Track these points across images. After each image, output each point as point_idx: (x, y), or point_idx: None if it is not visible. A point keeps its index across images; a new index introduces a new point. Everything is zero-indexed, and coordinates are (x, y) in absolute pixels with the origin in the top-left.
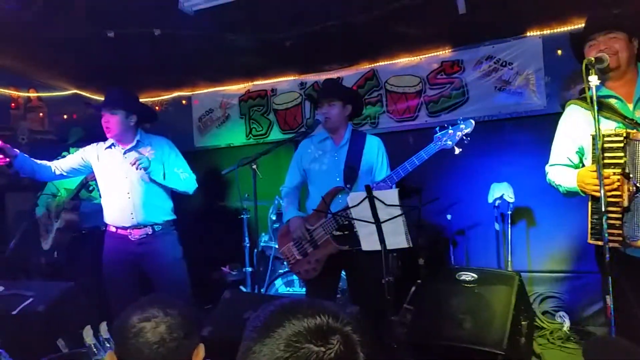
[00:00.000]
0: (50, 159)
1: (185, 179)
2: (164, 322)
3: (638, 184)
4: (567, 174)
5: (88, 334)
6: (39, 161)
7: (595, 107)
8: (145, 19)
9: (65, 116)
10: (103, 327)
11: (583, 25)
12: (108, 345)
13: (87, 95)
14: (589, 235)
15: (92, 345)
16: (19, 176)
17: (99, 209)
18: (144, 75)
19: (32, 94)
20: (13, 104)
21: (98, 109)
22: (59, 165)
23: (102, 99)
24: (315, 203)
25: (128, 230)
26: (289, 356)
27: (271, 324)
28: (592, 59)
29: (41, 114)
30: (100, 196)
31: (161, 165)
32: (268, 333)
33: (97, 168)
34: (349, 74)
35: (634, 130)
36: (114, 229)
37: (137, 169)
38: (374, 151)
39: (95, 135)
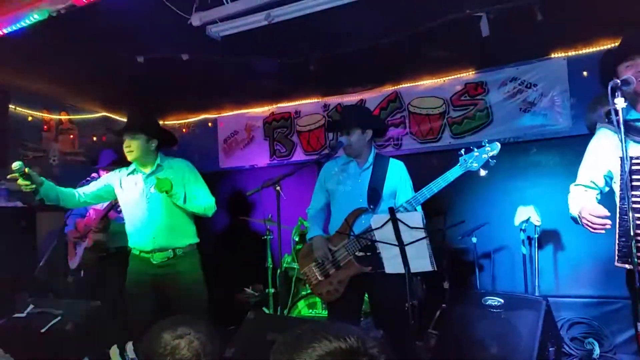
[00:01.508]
0: (81, 179)
1: (204, 202)
2: (197, 338)
3: None
4: (575, 202)
5: (115, 354)
6: (63, 188)
7: (622, 129)
8: (174, 45)
9: (95, 138)
10: (129, 346)
11: (608, 46)
12: None
13: (117, 117)
14: (616, 258)
15: None
16: (43, 203)
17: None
18: (172, 98)
19: (64, 117)
20: (45, 127)
21: (119, 133)
22: (82, 193)
23: None
24: (337, 224)
25: (150, 254)
26: None
27: (301, 344)
28: (618, 81)
29: (72, 136)
30: None
31: (182, 188)
32: (298, 353)
33: (120, 194)
34: (372, 96)
35: None
36: (137, 252)
37: (160, 192)
38: (398, 175)
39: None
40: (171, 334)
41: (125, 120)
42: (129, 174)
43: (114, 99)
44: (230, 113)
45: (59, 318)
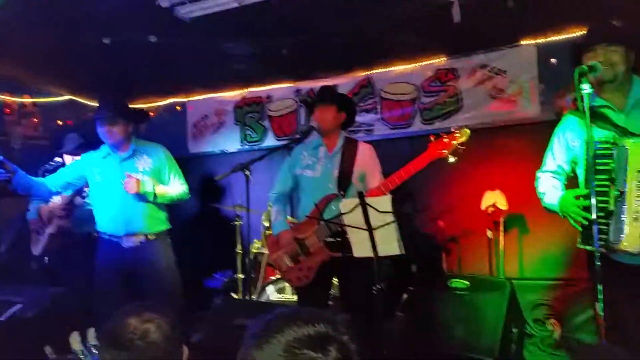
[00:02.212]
0: (44, 164)
1: (175, 193)
2: (165, 322)
3: (621, 189)
4: (552, 192)
5: (75, 340)
6: (37, 178)
7: (588, 113)
8: (141, 26)
9: (60, 122)
10: (91, 333)
11: (578, 34)
12: (96, 352)
13: (83, 101)
14: (579, 240)
15: (80, 352)
16: (16, 193)
17: (91, 216)
18: (139, 81)
19: (27, 100)
20: (7, 110)
21: (98, 119)
22: (54, 183)
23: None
24: (307, 209)
25: (121, 238)
26: None
27: (271, 330)
28: (585, 67)
29: (35, 120)
30: None
31: (158, 176)
32: (268, 339)
33: (92, 177)
34: (344, 82)
35: (623, 138)
36: (106, 237)
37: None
38: (366, 158)
39: (92, 142)
40: (139, 319)
41: (91, 103)
42: (103, 158)
43: (80, 82)
44: (200, 97)
45: (20, 306)
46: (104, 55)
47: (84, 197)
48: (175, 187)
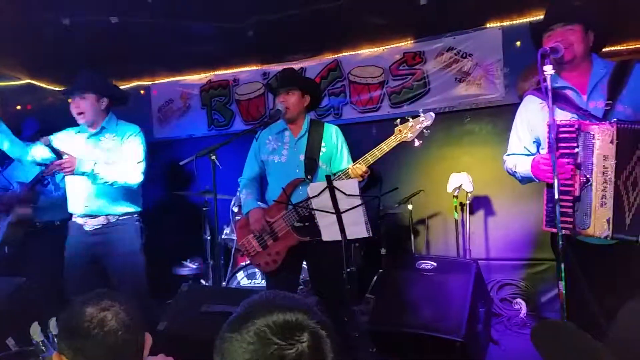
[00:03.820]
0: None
1: (126, 174)
2: (123, 309)
3: (587, 175)
4: (523, 161)
5: (35, 331)
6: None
7: (550, 96)
8: (101, 7)
9: (19, 107)
10: (52, 323)
11: (541, 16)
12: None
13: (42, 85)
14: (544, 222)
15: (40, 343)
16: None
17: (54, 203)
18: (100, 64)
19: None
20: None
21: (67, 93)
22: (33, 152)
23: (57, 88)
24: (275, 195)
25: (83, 220)
26: (257, 348)
27: (245, 316)
28: (547, 49)
29: None
30: (55, 190)
31: (117, 156)
32: (241, 325)
33: (69, 151)
34: (313, 65)
35: (586, 122)
36: (74, 218)
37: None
38: (333, 140)
39: (52, 127)
40: (96, 307)
41: (51, 87)
42: (75, 134)
43: (38, 65)
44: (165, 80)
45: None
46: (63, 37)
47: (45, 185)
48: (124, 170)
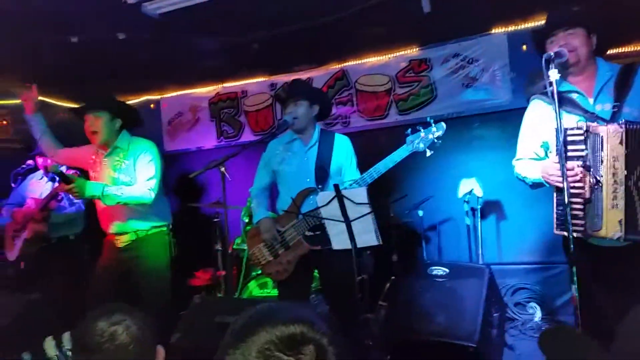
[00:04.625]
0: (15, 167)
1: (136, 192)
2: (134, 324)
3: (597, 177)
4: (532, 166)
5: (50, 346)
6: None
7: (556, 101)
8: (109, 24)
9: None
10: (66, 337)
11: (544, 20)
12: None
13: (53, 102)
14: (555, 226)
15: (55, 357)
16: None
17: (68, 219)
18: (110, 80)
19: None
20: None
21: (81, 112)
22: (61, 152)
23: (67, 105)
24: (286, 204)
25: (115, 237)
26: None
27: (247, 330)
28: (552, 53)
29: (5, 122)
30: (69, 205)
31: (130, 175)
32: (243, 339)
33: (87, 171)
34: (319, 75)
35: (594, 124)
36: (108, 236)
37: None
38: (344, 151)
39: (64, 144)
40: (107, 321)
41: (62, 104)
42: (95, 153)
43: (49, 82)
44: (174, 94)
45: None
46: (72, 54)
47: (59, 201)
48: (135, 188)
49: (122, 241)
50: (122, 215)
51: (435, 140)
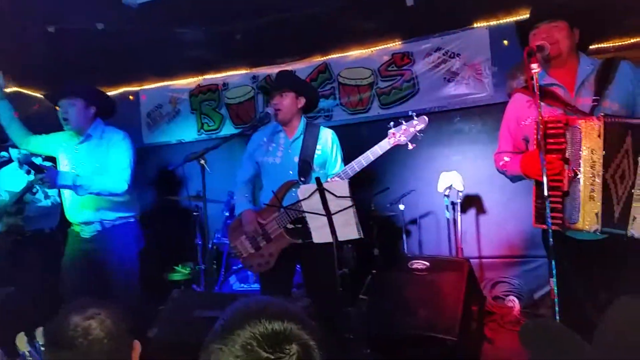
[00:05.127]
0: None
1: (108, 183)
2: (109, 317)
3: (576, 169)
4: (512, 159)
5: (22, 341)
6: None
7: (537, 93)
8: (87, 14)
9: None
10: (39, 332)
11: (527, 15)
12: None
13: (29, 92)
14: (534, 219)
15: (27, 353)
16: None
17: (43, 212)
18: (88, 70)
19: None
20: None
21: (55, 99)
22: (34, 140)
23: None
24: (268, 196)
25: (80, 227)
26: None
27: (233, 324)
28: (534, 47)
29: None
30: (44, 198)
31: (103, 164)
32: (228, 333)
33: (59, 159)
34: (302, 67)
35: (574, 117)
36: (72, 226)
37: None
38: (328, 144)
39: (39, 134)
40: (80, 316)
41: (38, 95)
42: (67, 139)
43: (25, 72)
44: (153, 85)
45: None
46: (49, 44)
47: (34, 194)
48: (107, 179)
49: (87, 232)
50: (88, 204)
51: (418, 134)
